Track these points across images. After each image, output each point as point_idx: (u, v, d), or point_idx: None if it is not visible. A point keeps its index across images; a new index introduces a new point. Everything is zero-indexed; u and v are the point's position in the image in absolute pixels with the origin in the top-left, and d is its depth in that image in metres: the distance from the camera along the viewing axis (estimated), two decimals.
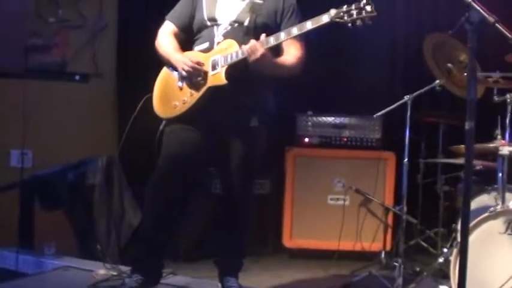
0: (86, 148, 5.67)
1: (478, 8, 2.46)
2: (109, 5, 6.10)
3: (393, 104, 4.99)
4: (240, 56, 3.58)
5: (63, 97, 5.83)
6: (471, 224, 3.86)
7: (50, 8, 5.81)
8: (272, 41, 3.56)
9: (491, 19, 2.44)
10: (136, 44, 5.80)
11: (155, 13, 4.86)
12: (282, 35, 3.56)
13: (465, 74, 4.51)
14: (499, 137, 4.61)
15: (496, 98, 4.52)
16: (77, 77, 5.82)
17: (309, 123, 5.82)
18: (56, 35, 5.84)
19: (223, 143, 3.76)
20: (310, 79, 5.65)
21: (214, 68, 3.67)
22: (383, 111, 5.03)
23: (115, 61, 6.17)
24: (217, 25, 3.79)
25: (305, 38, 3.76)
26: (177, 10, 4.01)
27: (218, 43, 3.73)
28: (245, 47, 3.55)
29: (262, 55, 3.53)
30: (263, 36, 3.56)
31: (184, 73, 3.71)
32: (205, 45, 3.80)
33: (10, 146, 5.52)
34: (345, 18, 3.35)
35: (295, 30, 3.52)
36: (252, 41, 3.54)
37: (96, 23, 6.01)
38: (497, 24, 2.43)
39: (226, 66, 3.62)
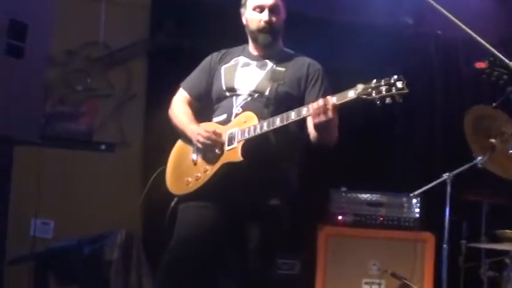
0: (108, 220, 5.53)
1: None
2: (138, 74, 6.02)
3: (432, 181, 4.79)
4: (258, 131, 3.34)
5: (88, 166, 5.72)
6: None
7: (79, 76, 5.76)
8: (304, 111, 3.24)
9: None
10: (165, 114, 5.65)
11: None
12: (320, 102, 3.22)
13: (510, 151, 4.26)
14: None
15: None
16: (103, 147, 5.66)
17: (343, 200, 5.58)
18: (83, 104, 5.76)
19: (240, 224, 3.47)
20: (345, 154, 5.43)
21: (230, 142, 3.43)
22: (421, 190, 4.85)
23: (142, 131, 6.01)
24: (236, 95, 3.58)
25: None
26: (193, 78, 3.83)
27: (236, 115, 3.51)
28: (280, 120, 3.27)
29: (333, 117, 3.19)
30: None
31: (199, 145, 3.48)
32: (223, 116, 3.58)
33: (31, 215, 5.36)
34: (373, 94, 3.05)
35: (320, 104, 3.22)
36: (291, 114, 3.26)
37: (124, 92, 5.93)
38: None
39: (243, 141, 3.37)
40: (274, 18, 3.59)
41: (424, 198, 5.42)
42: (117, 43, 5.93)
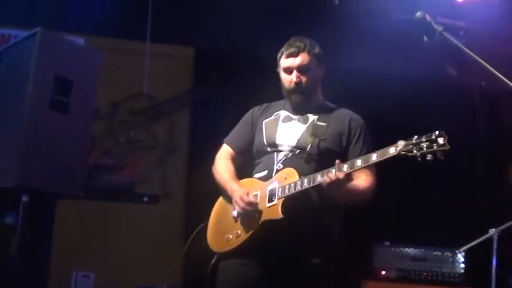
0: (149, 274, 5.50)
1: None
2: (181, 127, 6.09)
3: (476, 235, 4.76)
4: (299, 188, 3.29)
5: (131, 219, 5.74)
6: None
7: (122, 128, 5.81)
8: (345, 168, 3.22)
9: None
10: (207, 167, 5.66)
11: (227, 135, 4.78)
12: (359, 162, 3.20)
13: None
14: None
15: None
16: (145, 199, 5.69)
17: (387, 254, 5.48)
18: (127, 155, 5.81)
19: (280, 282, 3.40)
20: (389, 208, 5.37)
21: (271, 199, 3.38)
22: (468, 246, 4.73)
23: (185, 184, 6.01)
24: (278, 151, 3.55)
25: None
26: (236, 133, 3.83)
27: (277, 171, 3.48)
28: (320, 176, 3.24)
29: (341, 183, 3.20)
30: (338, 162, 3.23)
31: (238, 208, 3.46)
32: (264, 172, 3.55)
33: (72, 268, 5.38)
34: (414, 151, 3.00)
35: (358, 163, 3.19)
36: (332, 171, 3.22)
37: (168, 144, 5.96)
38: None
39: (283, 199, 3.33)
40: (304, 78, 3.58)
41: (470, 253, 5.28)
42: (161, 95, 6.02)
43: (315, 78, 3.64)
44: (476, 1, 5.77)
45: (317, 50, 3.64)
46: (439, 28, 2.74)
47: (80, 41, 5.46)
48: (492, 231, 4.62)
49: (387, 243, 5.52)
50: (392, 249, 5.48)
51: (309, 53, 3.60)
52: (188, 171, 6.03)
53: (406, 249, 5.47)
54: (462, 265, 5.37)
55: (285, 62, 3.63)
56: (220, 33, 5.69)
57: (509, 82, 2.68)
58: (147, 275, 5.43)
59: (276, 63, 3.76)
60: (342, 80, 5.36)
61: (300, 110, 3.65)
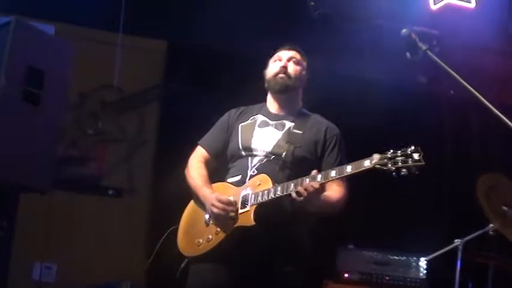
0: (113, 267, 5.47)
1: None
2: (150, 121, 6.02)
3: (440, 241, 4.90)
4: (272, 196, 3.28)
5: (95, 211, 5.65)
6: None
7: (91, 120, 5.73)
8: (319, 179, 3.21)
9: None
10: (175, 162, 5.62)
11: (196, 132, 4.74)
12: (333, 173, 3.20)
13: None
14: None
15: None
16: (111, 192, 5.66)
17: (350, 257, 5.51)
18: (94, 147, 5.73)
19: None
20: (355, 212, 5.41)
21: (243, 205, 3.36)
22: (433, 255, 4.80)
23: (151, 178, 5.96)
24: (252, 156, 3.53)
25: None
26: (211, 135, 3.79)
27: (251, 177, 3.45)
28: (294, 186, 3.22)
29: (314, 193, 3.20)
30: (314, 172, 3.23)
31: (212, 213, 3.44)
32: (238, 177, 3.52)
33: (34, 259, 5.30)
34: (389, 165, 3.00)
35: (333, 174, 3.18)
36: (306, 181, 3.21)
37: (136, 138, 5.90)
38: None
39: (256, 205, 3.31)
40: (291, 66, 3.65)
41: (432, 260, 5.30)
42: (131, 87, 5.93)
43: (301, 77, 3.69)
44: (451, 10, 5.83)
45: (306, 59, 3.74)
46: (424, 47, 2.75)
47: (51, 28, 5.35)
48: (458, 241, 4.70)
49: (351, 246, 5.54)
50: (356, 252, 5.50)
51: (301, 56, 3.72)
52: (155, 165, 5.97)
53: (370, 253, 5.49)
54: (424, 271, 5.41)
55: (278, 53, 3.73)
56: (194, 28, 5.65)
57: (476, 92, 2.71)
58: (110, 269, 5.40)
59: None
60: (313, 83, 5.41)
61: (281, 114, 3.66)
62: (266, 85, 3.73)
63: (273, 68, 3.70)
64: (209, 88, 5.78)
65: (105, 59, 5.77)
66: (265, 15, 5.58)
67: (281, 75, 3.63)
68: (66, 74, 4.21)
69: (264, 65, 3.78)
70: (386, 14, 4.94)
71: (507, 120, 2.53)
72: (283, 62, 3.66)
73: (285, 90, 3.64)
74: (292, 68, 3.65)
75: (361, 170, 3.09)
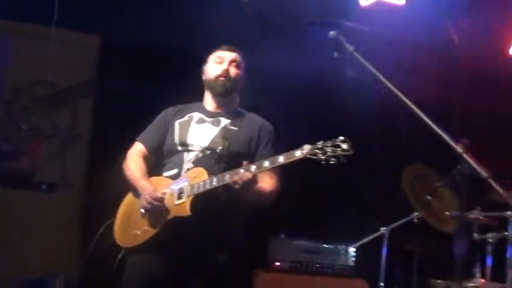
0: (48, 262, 5.44)
1: (470, 161, 2.36)
2: (83, 116, 6.00)
3: (367, 229, 5.12)
4: (208, 187, 3.42)
5: (28, 207, 5.62)
6: None
7: (23, 115, 5.68)
8: (253, 169, 3.37)
9: (484, 173, 2.34)
10: (110, 157, 5.64)
11: (130, 127, 4.78)
12: (266, 163, 3.36)
13: (446, 213, 4.50)
14: (478, 275, 4.56)
15: (476, 236, 4.50)
16: (44, 186, 5.63)
17: (281, 246, 5.62)
18: (26, 142, 5.69)
19: (187, 277, 3.53)
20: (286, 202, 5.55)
21: (179, 197, 3.49)
22: (360, 243, 4.96)
23: (85, 173, 5.97)
24: (188, 151, 3.66)
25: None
26: (149, 131, 3.89)
27: (187, 170, 3.58)
28: (229, 175, 3.37)
29: (248, 183, 3.36)
30: (247, 162, 3.39)
31: (147, 205, 3.54)
32: (174, 171, 3.64)
33: None
34: (319, 155, 3.19)
35: (266, 164, 3.35)
36: (240, 171, 3.36)
37: (69, 133, 5.88)
38: (490, 180, 2.32)
39: (192, 196, 3.45)
40: (233, 70, 3.76)
41: (360, 247, 5.54)
42: (64, 82, 5.90)
43: (241, 80, 3.82)
44: (381, 6, 5.98)
45: (244, 61, 3.86)
46: (350, 48, 2.90)
47: None
48: (383, 229, 4.92)
49: (282, 235, 5.67)
50: (287, 241, 5.63)
51: (241, 57, 3.84)
52: (89, 160, 5.98)
53: (300, 242, 5.63)
54: (352, 258, 5.59)
55: (220, 52, 3.82)
56: (129, 23, 5.64)
57: (397, 91, 2.86)
58: (44, 264, 5.38)
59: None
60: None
61: (218, 112, 3.78)
62: (206, 84, 3.85)
63: (214, 69, 3.79)
64: (144, 84, 5.81)
65: (39, 53, 5.71)
66: (200, 11, 5.63)
67: (223, 78, 3.75)
68: (1, 71, 4.19)
69: (200, 62, 3.88)
70: (318, 10, 5.06)
71: (425, 117, 2.68)
72: (225, 65, 3.76)
73: (225, 93, 3.78)
74: (233, 71, 3.77)
75: (293, 159, 3.27)
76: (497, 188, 2.30)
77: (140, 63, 5.88)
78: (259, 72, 5.43)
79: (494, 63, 6.13)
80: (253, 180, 3.39)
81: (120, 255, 3.62)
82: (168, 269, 3.50)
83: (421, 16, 5.98)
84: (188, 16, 5.66)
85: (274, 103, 5.48)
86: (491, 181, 2.32)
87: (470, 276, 4.67)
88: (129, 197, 3.76)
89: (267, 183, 3.62)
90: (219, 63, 3.78)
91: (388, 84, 2.85)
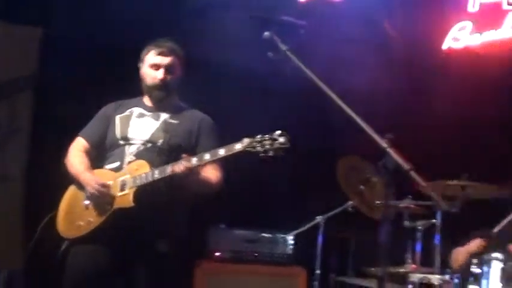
0: None
1: (394, 155, 2.52)
2: (23, 110, 5.94)
3: (305, 218, 5.23)
4: (150, 179, 3.53)
5: None
6: None
7: None
8: (194, 161, 3.49)
9: (406, 166, 2.50)
10: (51, 151, 5.64)
11: (72, 121, 4.80)
12: (207, 156, 3.48)
13: (377, 202, 4.66)
14: (409, 261, 4.73)
15: (407, 223, 4.66)
16: None
17: (221, 237, 5.71)
18: None
19: (129, 268, 3.64)
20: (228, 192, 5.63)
21: (122, 188, 3.61)
22: (296, 231, 5.10)
23: (26, 166, 5.94)
24: (130, 144, 3.76)
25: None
26: (91, 126, 3.97)
27: (129, 163, 3.69)
28: (171, 167, 3.48)
29: (190, 174, 3.49)
30: (185, 155, 3.51)
31: (90, 194, 3.63)
32: (116, 164, 3.74)
33: None
34: (258, 148, 3.34)
35: (207, 157, 3.48)
36: (181, 162, 3.47)
37: (8, 127, 5.84)
38: (411, 172, 2.49)
39: (135, 188, 3.56)
40: (169, 77, 3.83)
41: (298, 236, 5.67)
42: (4, 76, 5.85)
43: (178, 81, 3.91)
44: (319, 1, 6.10)
45: (182, 53, 3.91)
46: (284, 47, 3.02)
47: None
48: (319, 218, 5.08)
49: (222, 226, 5.77)
50: (227, 231, 5.73)
51: (177, 55, 3.87)
52: (30, 154, 5.96)
53: (240, 231, 5.73)
54: (290, 246, 5.72)
55: (153, 58, 3.85)
56: (73, 17, 5.66)
57: (332, 94, 2.97)
58: None
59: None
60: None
61: (158, 107, 3.87)
62: (143, 86, 3.92)
63: (150, 76, 3.85)
64: (86, 79, 5.80)
65: None
66: (144, 7, 5.66)
67: (159, 90, 3.84)
68: None
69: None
70: (256, 4, 5.12)
71: (351, 113, 2.81)
72: (161, 74, 3.82)
73: (163, 99, 3.87)
74: (170, 77, 3.84)
75: (233, 152, 3.42)
76: (418, 179, 2.46)
77: (85, 58, 5.84)
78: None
79: (428, 58, 6.28)
80: (195, 172, 3.52)
81: (64, 246, 3.70)
82: (111, 259, 3.60)
83: (359, 10, 6.08)
84: (135, 13, 5.65)
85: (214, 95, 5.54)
86: (412, 173, 2.48)
87: (402, 262, 4.87)
88: (72, 189, 3.85)
89: (211, 173, 3.76)
90: (155, 70, 3.83)
91: (317, 80, 2.93)
